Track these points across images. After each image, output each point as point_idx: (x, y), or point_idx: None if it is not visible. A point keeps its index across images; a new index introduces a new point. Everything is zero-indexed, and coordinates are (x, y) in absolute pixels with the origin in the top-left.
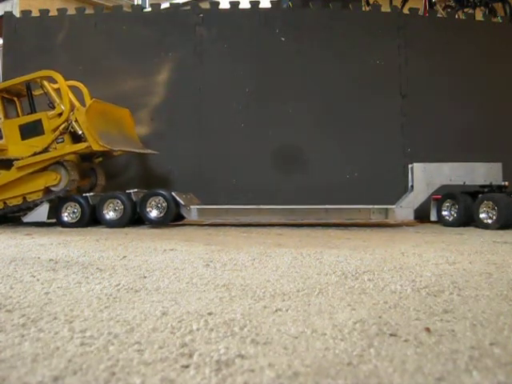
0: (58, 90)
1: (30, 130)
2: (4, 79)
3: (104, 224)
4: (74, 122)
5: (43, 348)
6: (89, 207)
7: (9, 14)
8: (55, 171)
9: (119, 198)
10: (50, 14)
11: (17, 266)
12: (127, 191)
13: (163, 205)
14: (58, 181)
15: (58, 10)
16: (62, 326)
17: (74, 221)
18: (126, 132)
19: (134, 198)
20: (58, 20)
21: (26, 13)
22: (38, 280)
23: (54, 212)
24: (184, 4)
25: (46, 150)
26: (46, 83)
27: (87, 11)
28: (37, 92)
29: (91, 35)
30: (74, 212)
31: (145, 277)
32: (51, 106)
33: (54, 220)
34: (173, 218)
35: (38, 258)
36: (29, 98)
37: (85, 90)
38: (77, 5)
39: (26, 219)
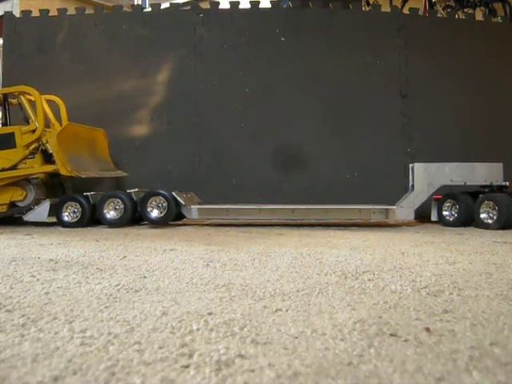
0: (33, 103)
1: (2, 143)
2: (4, 79)
3: (104, 223)
4: (45, 144)
5: (43, 348)
6: (89, 207)
7: (9, 14)
8: (22, 187)
9: (120, 197)
10: (50, 14)
11: (17, 266)
12: (128, 191)
13: (164, 204)
14: (23, 197)
15: (57, 9)
16: (62, 326)
17: (74, 220)
18: (99, 153)
19: (135, 198)
20: (57, 20)
21: (25, 13)
22: (38, 280)
23: (55, 211)
24: (184, 4)
25: (14, 167)
26: (22, 98)
27: (87, 11)
28: (15, 100)
29: (91, 35)
30: (74, 212)
31: (145, 277)
32: (26, 120)
33: (54, 220)
34: (173, 217)
35: (38, 257)
36: (4, 111)
37: (62, 105)
38: (77, 5)
39: (26, 218)
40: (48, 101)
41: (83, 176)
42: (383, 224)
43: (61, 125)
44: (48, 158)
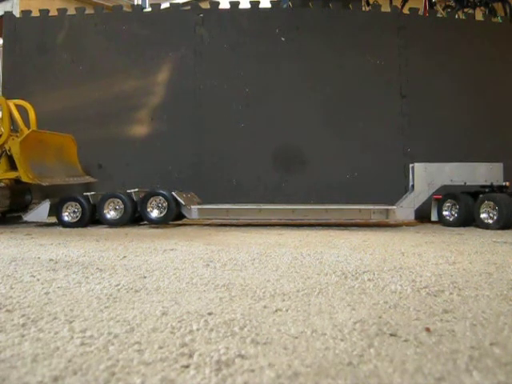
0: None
1: None
2: (4, 79)
3: (104, 223)
4: (8, 150)
5: (43, 348)
6: (89, 207)
7: (9, 14)
8: None
9: (120, 197)
10: (50, 14)
11: (17, 266)
12: (128, 191)
13: (164, 204)
14: None
15: (57, 9)
16: (62, 325)
17: (74, 220)
18: (66, 160)
19: (135, 198)
20: (58, 20)
21: (25, 13)
22: (38, 280)
23: (55, 211)
24: (184, 4)
25: None
26: None
27: (87, 11)
28: None
29: (91, 35)
30: (74, 212)
31: (145, 277)
32: None
33: (54, 220)
34: (173, 217)
35: (38, 258)
36: None
37: (31, 112)
38: (77, 5)
39: (26, 217)
40: (17, 106)
41: (44, 184)
42: (383, 224)
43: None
44: (14, 164)
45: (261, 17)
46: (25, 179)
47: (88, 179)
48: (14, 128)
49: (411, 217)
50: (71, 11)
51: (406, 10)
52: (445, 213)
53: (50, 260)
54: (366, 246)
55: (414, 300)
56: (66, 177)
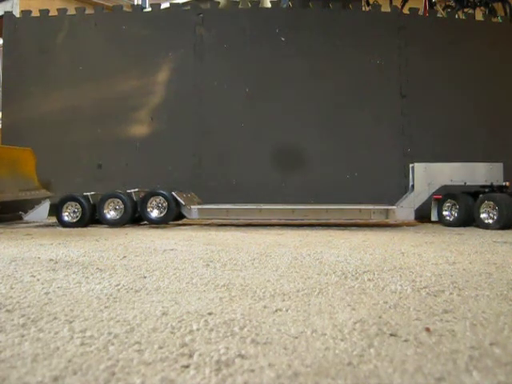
0: None
1: None
2: (4, 79)
3: (104, 223)
4: None
5: (43, 348)
6: (89, 206)
7: (9, 14)
8: None
9: (120, 197)
10: (50, 14)
11: (17, 266)
12: (128, 191)
13: (164, 204)
14: None
15: (57, 9)
16: (62, 325)
17: (74, 220)
18: (22, 173)
19: (135, 198)
20: (58, 20)
21: (25, 13)
22: (38, 280)
23: (55, 211)
24: (184, 4)
25: None
26: None
27: (87, 11)
28: None
29: (91, 35)
30: (74, 212)
31: (145, 277)
32: None
33: (54, 220)
34: (173, 217)
35: (38, 257)
36: None
37: None
38: (77, 5)
39: (26, 217)
40: None
41: None
42: (383, 224)
43: None
44: None
45: (261, 17)
46: None
47: (44, 193)
48: None
49: (411, 217)
50: (71, 11)
51: (406, 10)
52: (445, 213)
53: (50, 260)
54: (365, 246)
55: (414, 300)
56: (18, 191)
